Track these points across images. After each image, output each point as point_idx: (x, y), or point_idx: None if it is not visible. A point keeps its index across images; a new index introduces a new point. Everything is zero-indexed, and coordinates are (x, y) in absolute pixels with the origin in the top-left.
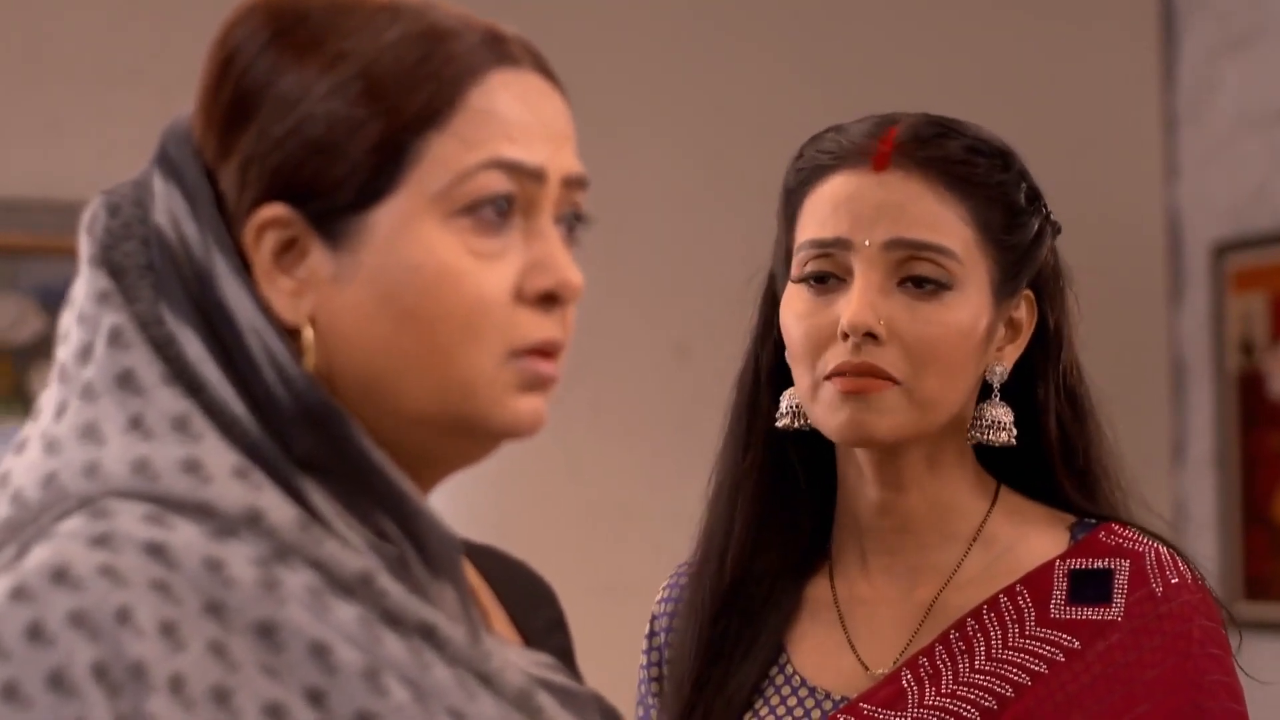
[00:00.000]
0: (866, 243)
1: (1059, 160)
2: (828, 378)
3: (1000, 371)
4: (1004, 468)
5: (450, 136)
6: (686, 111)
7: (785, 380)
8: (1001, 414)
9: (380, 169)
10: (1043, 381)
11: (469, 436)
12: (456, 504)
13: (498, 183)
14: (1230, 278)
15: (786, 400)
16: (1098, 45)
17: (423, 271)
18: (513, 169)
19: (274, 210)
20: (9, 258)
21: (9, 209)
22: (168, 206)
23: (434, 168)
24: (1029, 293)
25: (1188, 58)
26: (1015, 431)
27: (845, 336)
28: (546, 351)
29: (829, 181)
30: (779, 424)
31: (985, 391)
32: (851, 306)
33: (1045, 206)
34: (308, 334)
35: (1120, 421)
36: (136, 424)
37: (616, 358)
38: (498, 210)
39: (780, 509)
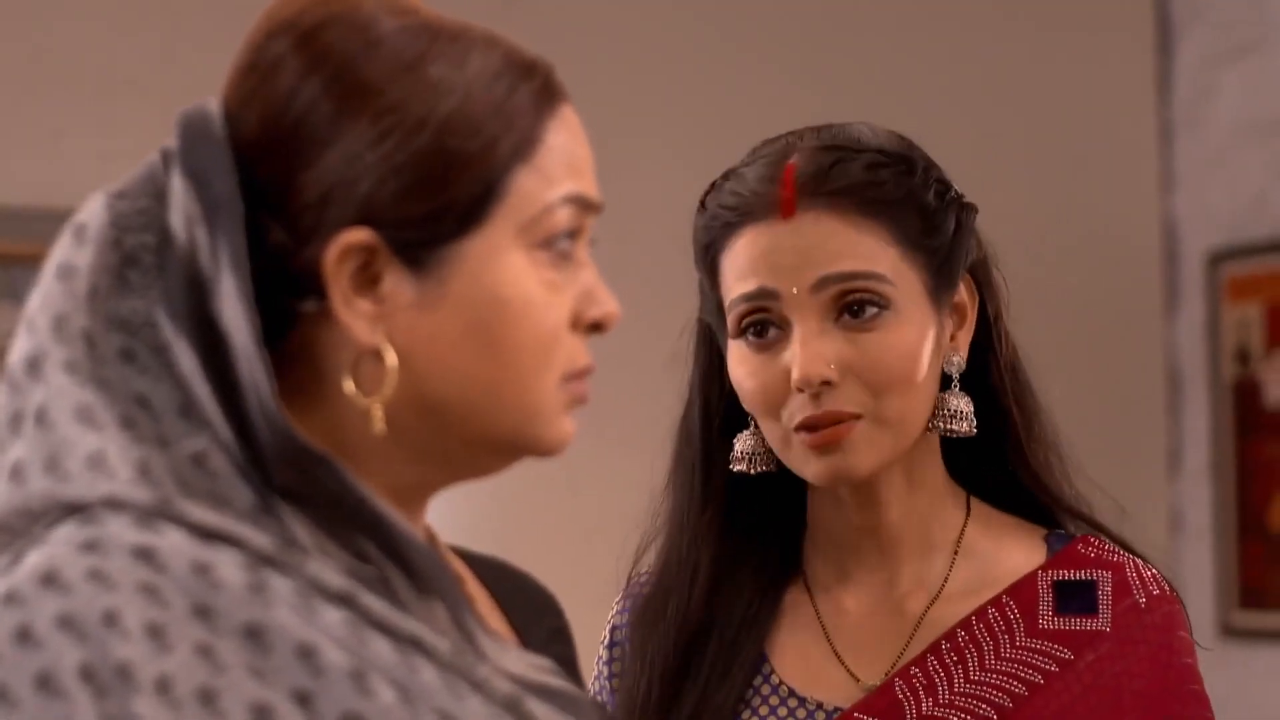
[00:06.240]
0: (794, 290)
1: (1055, 170)
2: (796, 429)
3: (958, 361)
4: (965, 475)
5: (533, 170)
6: (682, 121)
7: (736, 422)
8: (962, 404)
9: (478, 201)
10: (994, 361)
11: (515, 454)
12: (457, 516)
13: (571, 216)
14: (1226, 287)
15: (740, 444)
16: (1094, 55)
17: (510, 303)
18: (582, 203)
19: (360, 235)
20: (8, 267)
21: (9, 218)
22: (183, 206)
23: (521, 201)
24: (965, 275)
25: (1184, 67)
26: (975, 421)
27: (801, 389)
28: (585, 374)
29: (740, 237)
30: (735, 468)
31: (944, 384)
32: (798, 360)
33: (955, 192)
34: (391, 356)
35: (1116, 431)
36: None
37: (614, 369)
38: (566, 243)
39: (747, 546)
